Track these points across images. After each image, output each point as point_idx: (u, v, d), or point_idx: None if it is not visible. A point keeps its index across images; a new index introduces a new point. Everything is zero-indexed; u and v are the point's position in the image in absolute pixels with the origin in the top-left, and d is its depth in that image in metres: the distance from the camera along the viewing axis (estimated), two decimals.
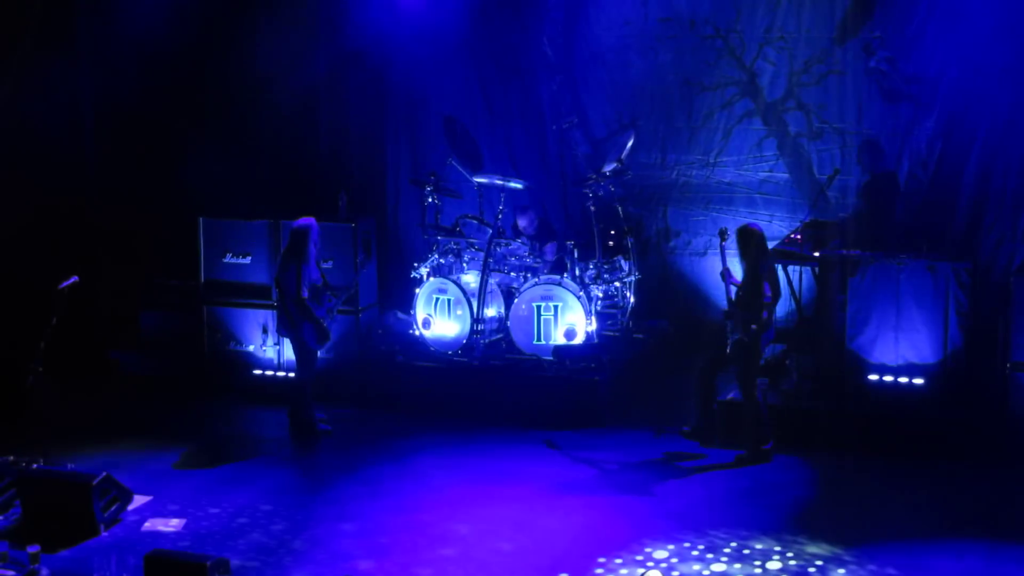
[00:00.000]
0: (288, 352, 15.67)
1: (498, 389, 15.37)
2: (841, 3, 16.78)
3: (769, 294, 13.50)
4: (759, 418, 13.57)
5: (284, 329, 14.55)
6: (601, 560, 11.08)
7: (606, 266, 16.26)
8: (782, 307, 15.63)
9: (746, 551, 11.28)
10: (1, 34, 17.10)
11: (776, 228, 17.08)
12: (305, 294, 14.07)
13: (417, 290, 16.26)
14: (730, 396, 14.30)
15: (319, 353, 14.86)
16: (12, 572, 10.84)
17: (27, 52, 17.33)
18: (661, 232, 17.91)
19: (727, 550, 11.30)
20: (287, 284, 14.14)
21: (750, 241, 13.65)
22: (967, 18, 15.74)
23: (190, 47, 17.89)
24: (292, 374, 15.36)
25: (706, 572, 10.86)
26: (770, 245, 15.52)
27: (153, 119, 18.06)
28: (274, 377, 16.10)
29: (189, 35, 17.81)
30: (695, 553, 11.23)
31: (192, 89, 18.05)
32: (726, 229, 13.95)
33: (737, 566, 10.97)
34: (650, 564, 10.97)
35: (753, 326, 13.38)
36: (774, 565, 10.97)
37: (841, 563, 11.00)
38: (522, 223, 16.93)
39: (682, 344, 16.92)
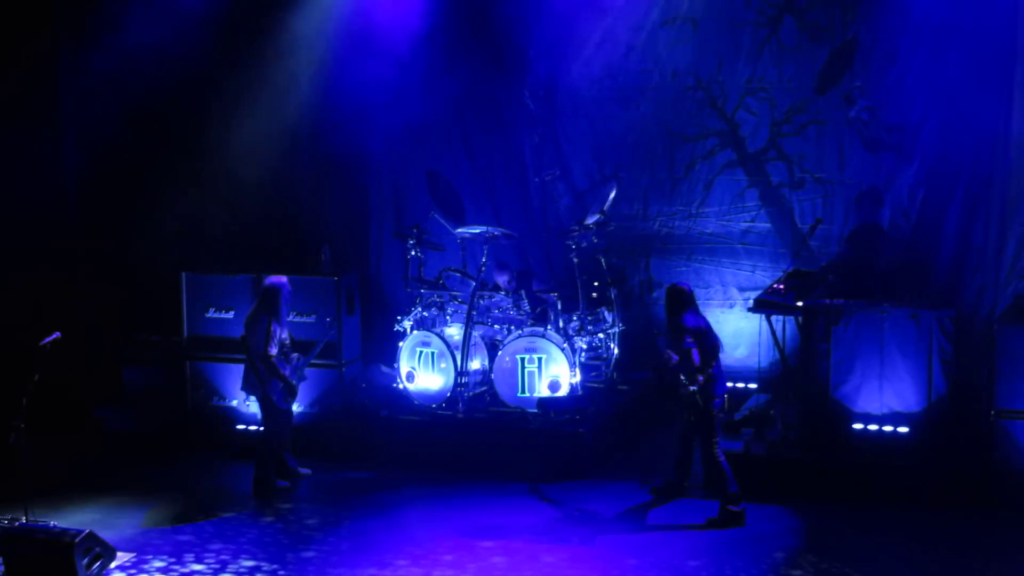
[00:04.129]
0: None
1: (482, 442, 15.36)
2: (821, 53, 16.94)
3: (696, 353, 13.43)
4: (722, 479, 13.51)
5: (250, 387, 14.51)
6: None
7: (590, 318, 16.29)
8: (766, 357, 15.73)
9: None
10: None
11: (759, 278, 17.19)
12: (273, 351, 14.09)
13: (400, 343, 16.29)
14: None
15: (295, 408, 14.88)
16: None
17: (8, 109, 17.42)
18: (644, 283, 17.97)
19: None
20: (255, 341, 14.17)
21: (667, 300, 13.84)
22: (946, 67, 15.87)
23: (173, 105, 17.99)
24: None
25: None
26: (753, 295, 15.63)
27: (136, 176, 18.14)
28: (257, 432, 16.05)
29: (172, 93, 17.90)
30: None
31: (175, 146, 18.09)
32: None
33: None
34: None
35: (692, 387, 13.35)
36: None
37: None
38: (501, 280, 16.98)
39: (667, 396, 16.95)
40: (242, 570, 12.25)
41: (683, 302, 13.66)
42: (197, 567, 12.35)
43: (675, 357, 13.28)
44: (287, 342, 14.46)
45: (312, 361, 15.16)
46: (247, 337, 14.27)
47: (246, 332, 14.31)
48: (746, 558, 12.39)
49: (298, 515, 13.97)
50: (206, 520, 13.72)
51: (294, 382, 14.49)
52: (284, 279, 14.44)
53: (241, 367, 14.84)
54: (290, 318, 14.92)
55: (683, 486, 14.14)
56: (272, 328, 14.11)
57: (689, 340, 13.32)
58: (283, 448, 14.80)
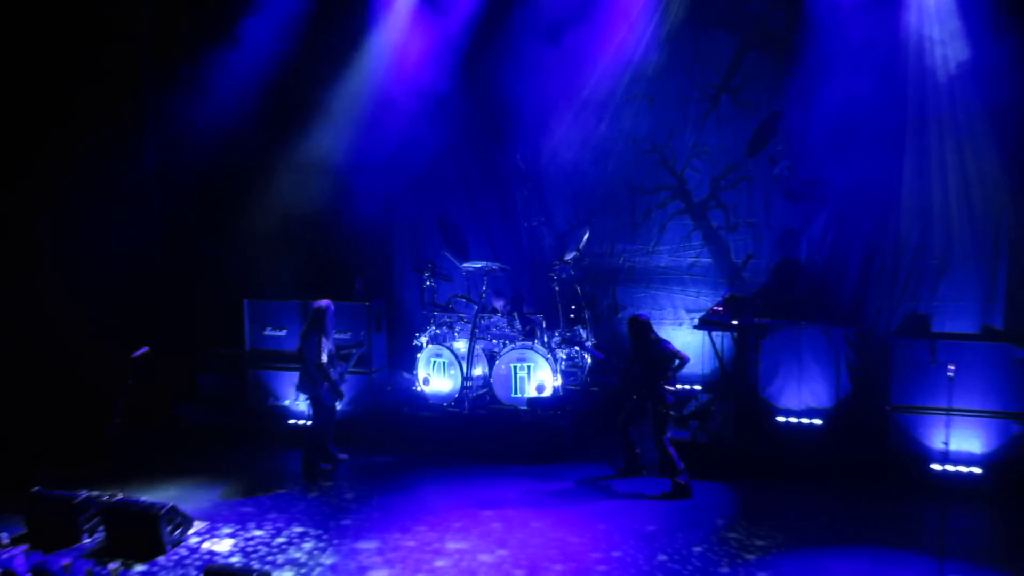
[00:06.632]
0: None
1: (483, 433, 15.40)
2: (751, 123, 16.97)
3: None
4: (671, 461, 13.56)
5: (304, 388, 14.59)
6: (558, 568, 11.27)
7: (568, 334, 16.38)
8: (708, 364, 15.81)
9: (682, 553, 11.47)
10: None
11: (702, 302, 17.22)
12: (324, 359, 14.26)
13: (418, 355, 16.39)
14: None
15: (337, 407, 14.94)
16: None
17: (104, 155, 17.48)
18: (611, 306, 17.98)
19: (663, 558, 11.50)
20: (310, 351, 14.28)
21: (632, 328, 13.95)
22: (852, 132, 15.83)
23: (239, 161, 18.01)
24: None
25: (648, 567, 11.07)
26: (698, 315, 15.70)
27: (207, 219, 18.21)
28: (305, 426, 16.09)
29: (239, 150, 17.90)
30: (641, 556, 11.43)
31: (238, 195, 18.07)
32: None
33: (665, 559, 11.21)
34: (602, 568, 11.15)
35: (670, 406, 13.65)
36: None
37: (764, 566, 11.24)
38: (498, 304, 17.10)
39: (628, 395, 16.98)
40: (293, 535, 12.39)
41: (648, 327, 13.84)
42: (257, 532, 12.49)
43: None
44: (333, 352, 14.61)
45: (351, 368, 15.34)
46: (303, 348, 14.41)
47: (302, 344, 14.43)
48: (693, 523, 12.55)
49: (337, 491, 14.00)
50: (264, 495, 13.81)
51: (340, 386, 14.66)
52: (329, 302, 14.55)
53: (292, 375, 14.92)
54: (335, 335, 14.97)
55: (640, 466, 14.24)
56: (322, 341, 14.27)
57: (668, 346, 13.59)
58: (327, 438, 14.87)
